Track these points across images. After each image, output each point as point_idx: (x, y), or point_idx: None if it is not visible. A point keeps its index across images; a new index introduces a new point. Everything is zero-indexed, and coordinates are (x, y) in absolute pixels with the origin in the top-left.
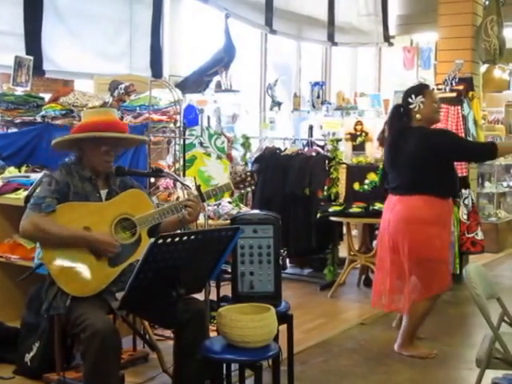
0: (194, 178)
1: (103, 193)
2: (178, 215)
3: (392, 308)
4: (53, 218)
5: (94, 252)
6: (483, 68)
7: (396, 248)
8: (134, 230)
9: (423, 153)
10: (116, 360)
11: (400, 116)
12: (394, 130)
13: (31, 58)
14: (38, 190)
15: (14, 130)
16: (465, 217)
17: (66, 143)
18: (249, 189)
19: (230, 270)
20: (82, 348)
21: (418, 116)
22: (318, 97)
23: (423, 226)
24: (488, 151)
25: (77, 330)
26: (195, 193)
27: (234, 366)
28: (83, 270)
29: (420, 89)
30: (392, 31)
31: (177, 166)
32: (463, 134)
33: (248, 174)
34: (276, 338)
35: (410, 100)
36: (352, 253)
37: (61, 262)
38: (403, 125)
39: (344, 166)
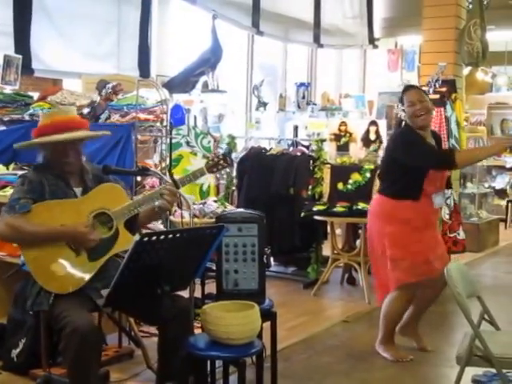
0: (169, 168)
1: (78, 190)
2: (153, 206)
3: None
4: (29, 219)
5: (73, 247)
6: (466, 70)
7: None
8: (110, 223)
9: (384, 155)
10: (96, 357)
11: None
12: None
13: (20, 56)
14: (12, 192)
15: (3, 127)
16: (447, 216)
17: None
18: (223, 171)
19: (214, 268)
20: (62, 344)
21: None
22: (304, 97)
23: (376, 220)
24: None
25: (58, 327)
26: (170, 181)
27: (218, 363)
28: (63, 267)
29: (401, 94)
30: (377, 34)
31: (163, 164)
32: (446, 136)
33: (220, 157)
34: (260, 335)
35: (395, 109)
36: (335, 251)
37: (40, 261)
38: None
39: (328, 166)
